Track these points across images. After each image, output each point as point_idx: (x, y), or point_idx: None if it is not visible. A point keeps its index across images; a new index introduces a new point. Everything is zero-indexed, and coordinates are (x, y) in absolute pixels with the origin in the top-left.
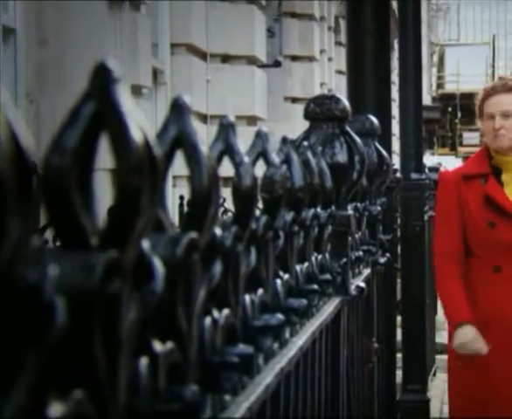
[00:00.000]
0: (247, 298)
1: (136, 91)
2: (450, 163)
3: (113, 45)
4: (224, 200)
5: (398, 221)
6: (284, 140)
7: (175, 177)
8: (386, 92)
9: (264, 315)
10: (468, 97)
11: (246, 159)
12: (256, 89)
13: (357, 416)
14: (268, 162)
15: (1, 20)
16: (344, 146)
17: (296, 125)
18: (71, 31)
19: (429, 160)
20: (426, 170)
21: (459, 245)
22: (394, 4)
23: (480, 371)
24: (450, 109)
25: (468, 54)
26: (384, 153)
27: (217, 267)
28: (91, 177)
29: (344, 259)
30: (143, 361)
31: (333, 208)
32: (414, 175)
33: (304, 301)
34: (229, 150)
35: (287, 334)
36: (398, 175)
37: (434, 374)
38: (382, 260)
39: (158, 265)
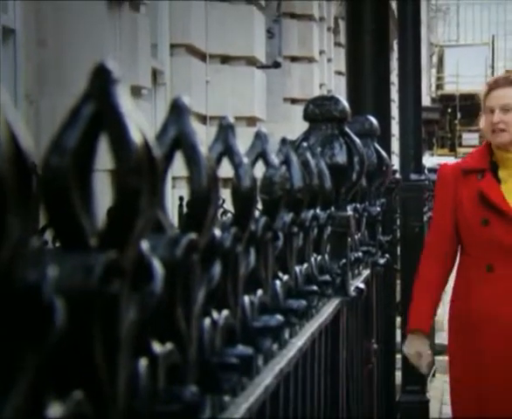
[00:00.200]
0: (246, 299)
1: (136, 91)
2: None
3: (112, 46)
4: (224, 201)
5: (398, 222)
6: (283, 141)
7: (174, 178)
8: (385, 92)
9: (263, 316)
10: (468, 98)
11: (246, 160)
12: (255, 90)
13: (357, 417)
14: (268, 163)
15: (1, 21)
16: (344, 147)
17: (296, 126)
18: (70, 32)
19: (428, 161)
20: (426, 171)
21: (449, 245)
22: (393, 5)
23: (476, 369)
24: (449, 110)
25: (468, 55)
26: (384, 153)
27: (217, 268)
28: (90, 178)
29: (344, 260)
30: (143, 362)
31: (332, 209)
32: (413, 176)
33: (303, 302)
34: (228, 151)
35: (287, 335)
36: (398, 175)
37: (434, 375)
38: (381, 261)
39: (157, 266)
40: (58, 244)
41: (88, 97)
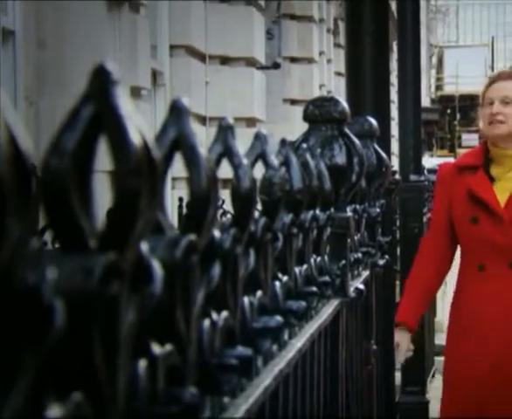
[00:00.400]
0: (246, 300)
1: (135, 92)
2: None
3: (112, 47)
4: (223, 201)
5: (397, 223)
6: (283, 142)
7: (174, 179)
8: (385, 93)
9: (263, 317)
10: (467, 98)
11: (245, 161)
12: (255, 91)
13: (356, 418)
14: (267, 164)
15: (0, 22)
16: (343, 148)
17: (295, 127)
18: (70, 33)
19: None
20: (425, 172)
21: (444, 245)
22: (393, 6)
23: (467, 367)
24: (449, 111)
25: (467, 56)
26: (383, 154)
27: (216, 269)
28: (90, 179)
29: (343, 261)
30: (142, 364)
31: (332, 210)
32: (413, 177)
33: (303, 303)
34: (228, 152)
35: (286, 336)
36: (397, 176)
37: (433, 376)
38: (381, 262)
39: (157, 267)
40: (57, 246)
41: (88, 98)
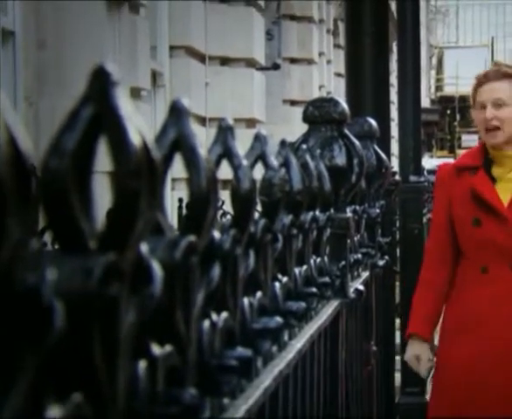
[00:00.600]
0: (246, 301)
1: (135, 93)
2: None
3: (112, 48)
4: (223, 202)
5: (397, 223)
6: (283, 143)
7: (174, 180)
8: (385, 94)
9: (262, 318)
10: (467, 99)
11: (245, 162)
12: (255, 92)
13: None
14: (267, 165)
15: (0, 23)
16: (343, 149)
17: (295, 128)
18: (70, 34)
19: (428, 162)
20: (425, 173)
21: (449, 248)
22: (393, 7)
23: (466, 372)
24: (449, 111)
25: (467, 56)
26: (383, 155)
27: (216, 270)
28: (90, 180)
29: (343, 262)
30: (142, 364)
31: (332, 211)
32: (413, 178)
33: (303, 304)
34: (228, 153)
35: (286, 337)
36: (397, 177)
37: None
38: (381, 263)
39: (157, 268)
40: (57, 246)
41: (87, 99)
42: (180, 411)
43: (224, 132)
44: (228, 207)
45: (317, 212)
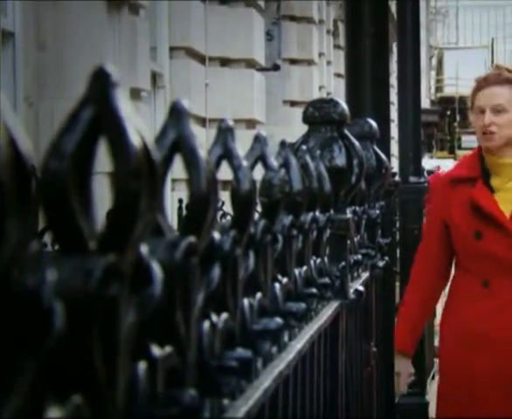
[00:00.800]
0: (246, 302)
1: (135, 94)
2: (448, 167)
3: (111, 49)
4: (223, 203)
5: (397, 224)
6: (283, 144)
7: (174, 181)
8: (385, 95)
9: (262, 319)
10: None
11: (245, 163)
12: (255, 92)
13: None
14: (267, 166)
15: (0, 24)
16: (343, 149)
17: (295, 128)
18: (70, 35)
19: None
20: (425, 173)
21: (437, 262)
22: (393, 8)
23: (481, 386)
24: (449, 112)
25: (467, 57)
26: (383, 156)
27: (216, 271)
28: (89, 181)
29: (343, 263)
30: (142, 366)
31: (331, 211)
32: (413, 179)
33: (303, 305)
34: (228, 154)
35: (286, 338)
36: (397, 178)
37: (433, 378)
38: (381, 264)
39: (156, 269)
40: (57, 247)
41: (87, 100)
42: (180, 412)
43: (224, 133)
44: (228, 208)
45: (317, 213)
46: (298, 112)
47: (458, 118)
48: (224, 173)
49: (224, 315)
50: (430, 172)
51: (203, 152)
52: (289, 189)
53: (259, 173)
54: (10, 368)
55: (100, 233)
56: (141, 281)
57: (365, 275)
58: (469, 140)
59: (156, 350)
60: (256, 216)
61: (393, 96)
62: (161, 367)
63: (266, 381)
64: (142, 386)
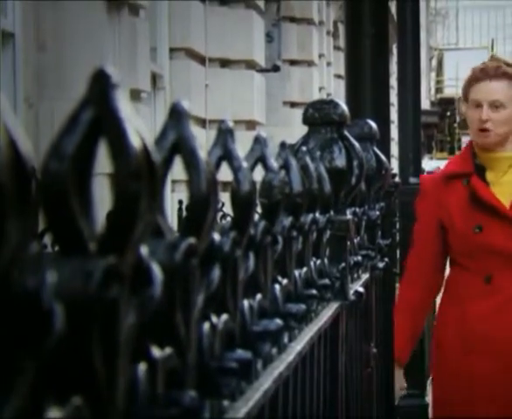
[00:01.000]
0: (246, 303)
1: (135, 95)
2: None
3: (111, 50)
4: (223, 204)
5: (397, 225)
6: (282, 145)
7: (174, 182)
8: (385, 96)
9: (262, 320)
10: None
11: (245, 164)
12: (255, 94)
13: None
14: (267, 167)
15: (0, 25)
16: (343, 150)
17: (295, 129)
18: (70, 36)
19: (427, 164)
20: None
21: (434, 264)
22: (393, 9)
23: (482, 387)
24: (449, 113)
25: (467, 58)
26: (383, 157)
27: (216, 272)
28: (89, 183)
29: (343, 264)
30: (142, 367)
31: (331, 213)
32: (413, 180)
33: (303, 306)
34: (227, 155)
35: (286, 339)
36: (397, 179)
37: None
38: (381, 265)
39: (156, 271)
40: (57, 249)
41: (87, 102)
42: (180, 413)
43: (224, 134)
44: (228, 209)
45: (317, 214)
46: (298, 113)
47: (458, 119)
48: (224, 174)
49: (224, 316)
50: (430, 173)
51: (203, 153)
52: (289, 191)
53: (259, 174)
54: (10, 369)
55: (100, 234)
56: (142, 282)
57: (365, 276)
58: None
59: (156, 351)
60: (256, 217)
61: (393, 97)
62: (161, 369)
63: (266, 382)
64: (142, 387)
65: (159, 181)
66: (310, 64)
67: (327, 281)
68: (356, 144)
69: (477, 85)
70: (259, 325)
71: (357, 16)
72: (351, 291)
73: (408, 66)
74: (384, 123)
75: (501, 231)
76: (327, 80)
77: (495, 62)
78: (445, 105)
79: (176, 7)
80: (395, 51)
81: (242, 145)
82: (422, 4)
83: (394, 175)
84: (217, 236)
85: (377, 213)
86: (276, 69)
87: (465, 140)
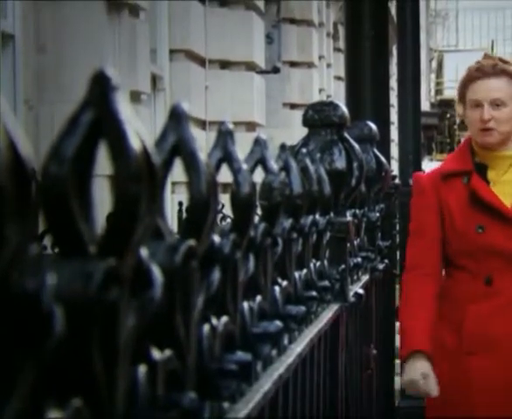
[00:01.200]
0: (246, 305)
1: (135, 97)
2: None
3: (111, 51)
4: (223, 206)
5: (397, 227)
6: (282, 146)
7: (174, 183)
8: (385, 97)
9: (262, 322)
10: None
11: (245, 166)
12: (255, 95)
13: None
14: (267, 169)
15: (0, 26)
16: (343, 152)
17: (295, 131)
18: (70, 37)
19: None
20: None
21: (438, 261)
22: (393, 10)
23: (484, 393)
24: (448, 115)
25: (467, 60)
26: (383, 159)
27: (216, 274)
28: (89, 185)
29: (343, 266)
30: (142, 369)
31: (331, 214)
32: None
33: (303, 308)
34: (227, 157)
35: (286, 341)
36: (397, 181)
37: None
38: (380, 266)
39: (157, 273)
40: (57, 251)
41: (87, 104)
42: (180, 415)
43: (224, 136)
44: (228, 211)
45: (317, 216)
46: (298, 114)
47: (458, 120)
48: (224, 176)
49: (224, 318)
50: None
51: (203, 155)
52: (289, 192)
53: (259, 176)
54: (10, 371)
55: (100, 236)
56: (142, 285)
57: (365, 278)
58: None
59: (156, 353)
60: (256, 219)
61: (393, 98)
62: (161, 371)
63: (265, 384)
64: (142, 389)
65: (159, 183)
66: (310, 65)
67: (327, 283)
68: (356, 146)
69: (475, 85)
70: (258, 327)
71: (357, 17)
72: (351, 293)
73: (408, 68)
74: (384, 125)
75: (502, 232)
76: (327, 82)
77: (490, 60)
78: (445, 106)
79: (175, 8)
80: (395, 52)
81: (242, 147)
82: (422, 6)
83: (394, 177)
84: (217, 238)
85: (377, 215)
86: (276, 70)
87: None
